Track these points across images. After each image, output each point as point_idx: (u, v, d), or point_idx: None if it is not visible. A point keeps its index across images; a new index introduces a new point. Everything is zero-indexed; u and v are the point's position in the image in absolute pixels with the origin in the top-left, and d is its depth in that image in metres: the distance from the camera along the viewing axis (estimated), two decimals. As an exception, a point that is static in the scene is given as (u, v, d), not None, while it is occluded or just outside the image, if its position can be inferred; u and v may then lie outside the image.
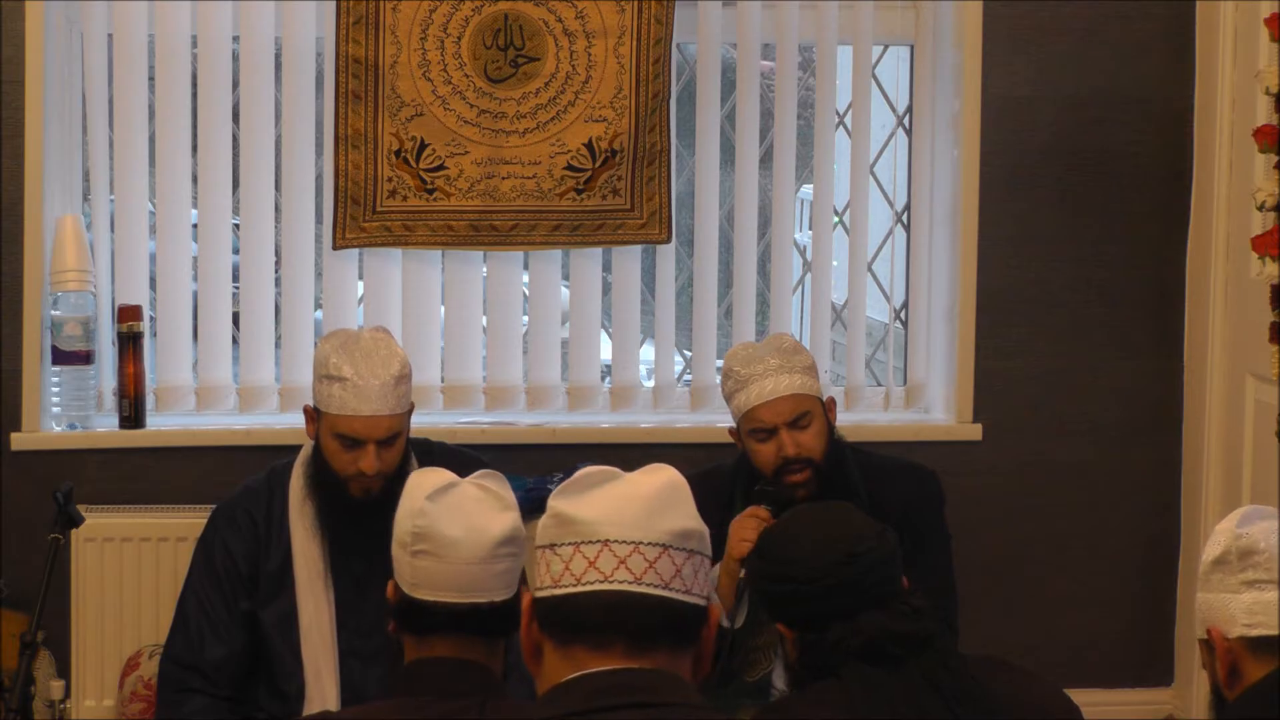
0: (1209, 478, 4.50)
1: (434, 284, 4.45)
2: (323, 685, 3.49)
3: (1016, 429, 4.61)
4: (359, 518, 3.44)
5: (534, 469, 4.29)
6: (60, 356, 4.26)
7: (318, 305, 4.50)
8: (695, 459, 3.87)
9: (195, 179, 4.37)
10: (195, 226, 4.40)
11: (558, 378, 4.53)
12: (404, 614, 2.46)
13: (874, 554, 2.47)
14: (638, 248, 4.48)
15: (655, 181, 4.39)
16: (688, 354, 4.62)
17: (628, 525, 1.95)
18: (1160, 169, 4.60)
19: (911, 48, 4.61)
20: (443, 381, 4.47)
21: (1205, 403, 4.50)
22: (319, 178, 4.41)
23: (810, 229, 4.75)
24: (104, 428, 4.33)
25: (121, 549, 4.21)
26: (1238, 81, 4.35)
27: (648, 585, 1.94)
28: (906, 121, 4.64)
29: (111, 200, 4.36)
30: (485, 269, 4.49)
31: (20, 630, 3.36)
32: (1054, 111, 4.57)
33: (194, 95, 4.35)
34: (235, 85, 4.37)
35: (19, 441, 4.28)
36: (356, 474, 3.46)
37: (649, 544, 1.95)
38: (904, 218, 4.66)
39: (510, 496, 2.49)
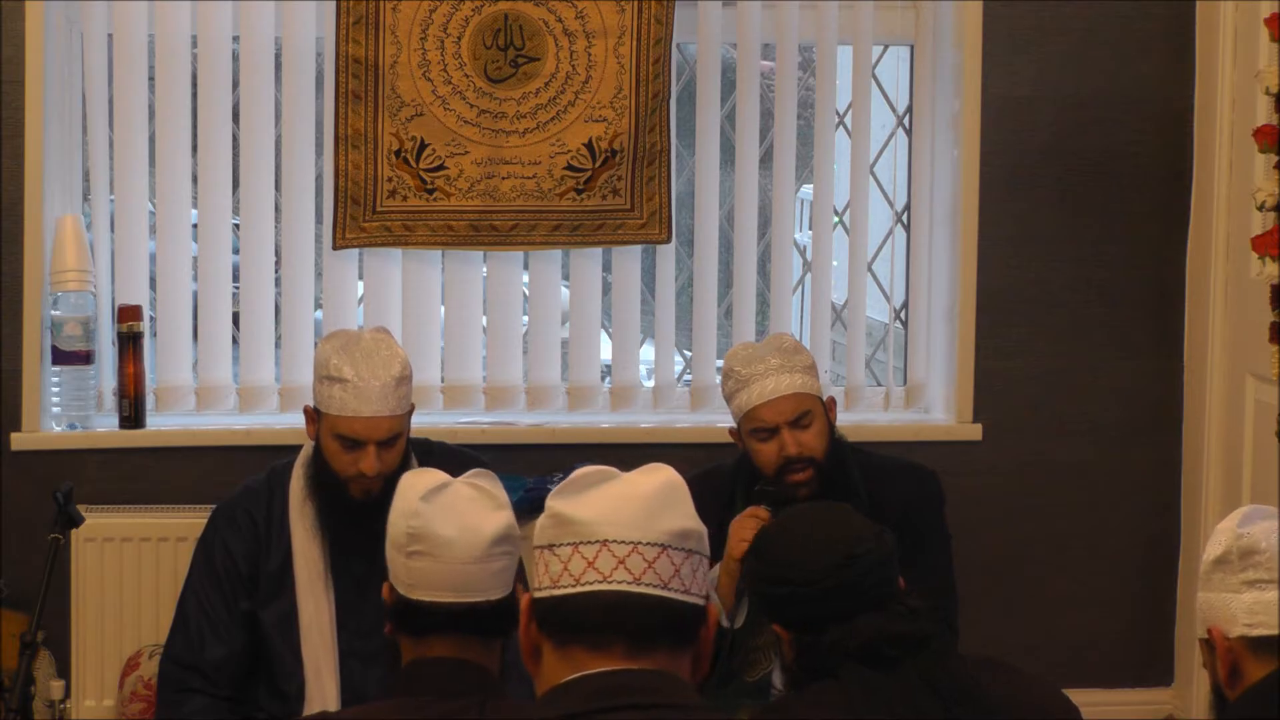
0: (1209, 478, 4.50)
1: (434, 284, 4.45)
2: (323, 685, 3.49)
3: (1016, 429, 4.61)
4: (359, 518, 3.44)
5: (534, 469, 4.29)
6: (60, 356, 4.26)
7: (318, 305, 4.50)
8: (695, 459, 3.87)
9: (195, 179, 4.37)
10: (195, 226, 4.40)
11: (558, 378, 4.53)
12: (401, 615, 2.46)
13: (872, 555, 2.47)
14: (638, 248, 4.48)
15: (655, 181, 4.39)
16: (688, 354, 4.62)
17: (626, 525, 1.94)
18: (1160, 169, 4.60)
19: (911, 48, 4.61)
20: (443, 381, 4.47)
21: (1205, 403, 4.50)
22: (319, 178, 4.41)
23: (810, 229, 4.75)
24: (104, 428, 4.33)
25: (121, 549, 4.21)
26: (1238, 81, 4.34)
27: (647, 585, 1.93)
28: (906, 121, 4.64)
29: (111, 200, 4.36)
30: (485, 269, 4.49)
31: (20, 630, 3.36)
32: (1054, 111, 4.57)
33: (194, 95, 4.35)
34: (235, 85, 4.37)
35: (19, 441, 4.28)
36: (357, 475, 3.46)
37: (648, 544, 1.94)
38: (904, 218, 4.66)
39: (503, 495, 2.49)
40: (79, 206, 4.39)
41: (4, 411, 4.27)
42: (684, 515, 1.98)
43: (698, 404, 4.54)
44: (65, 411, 4.29)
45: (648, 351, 4.63)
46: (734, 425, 3.64)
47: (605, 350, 4.58)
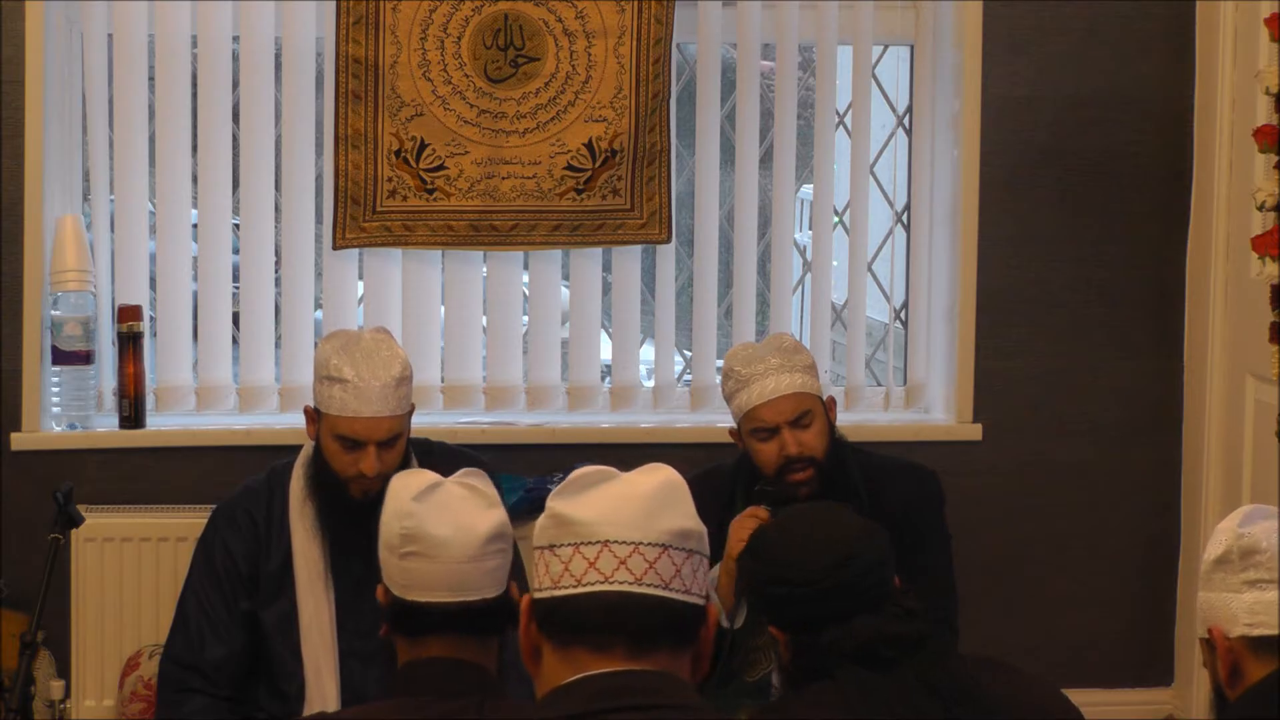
0: (1209, 478, 4.50)
1: (434, 284, 4.45)
2: (323, 685, 3.49)
3: (1016, 429, 4.61)
4: (359, 519, 3.43)
5: (534, 469, 4.29)
6: (60, 356, 4.25)
7: (318, 305, 4.50)
8: (695, 459, 3.87)
9: (195, 179, 4.37)
10: (195, 226, 4.40)
11: (558, 378, 4.53)
12: (397, 617, 2.45)
13: (870, 556, 2.47)
14: (638, 248, 4.48)
15: (655, 181, 4.39)
16: (688, 354, 4.61)
17: (627, 525, 1.94)
18: (1160, 169, 4.60)
19: (911, 48, 4.61)
20: (443, 381, 4.47)
21: (1205, 403, 4.50)
22: (319, 178, 4.41)
23: (810, 229, 4.75)
24: (104, 428, 4.33)
25: (121, 549, 4.21)
26: (1238, 81, 4.34)
27: (648, 586, 1.93)
28: (906, 121, 4.64)
29: (111, 200, 4.35)
30: (485, 269, 4.49)
31: (20, 630, 3.36)
32: (1054, 111, 4.57)
33: (194, 95, 4.35)
34: (235, 85, 4.37)
35: (19, 441, 4.28)
36: (357, 475, 3.46)
37: (649, 544, 1.94)
38: (904, 218, 4.66)
39: (494, 493, 2.49)
40: (79, 206, 4.39)
41: (4, 411, 4.27)
42: (684, 515, 1.98)
43: (698, 404, 4.54)
44: (65, 411, 4.29)
45: (648, 351, 4.63)
46: (734, 425, 3.64)
47: (605, 350, 4.58)
